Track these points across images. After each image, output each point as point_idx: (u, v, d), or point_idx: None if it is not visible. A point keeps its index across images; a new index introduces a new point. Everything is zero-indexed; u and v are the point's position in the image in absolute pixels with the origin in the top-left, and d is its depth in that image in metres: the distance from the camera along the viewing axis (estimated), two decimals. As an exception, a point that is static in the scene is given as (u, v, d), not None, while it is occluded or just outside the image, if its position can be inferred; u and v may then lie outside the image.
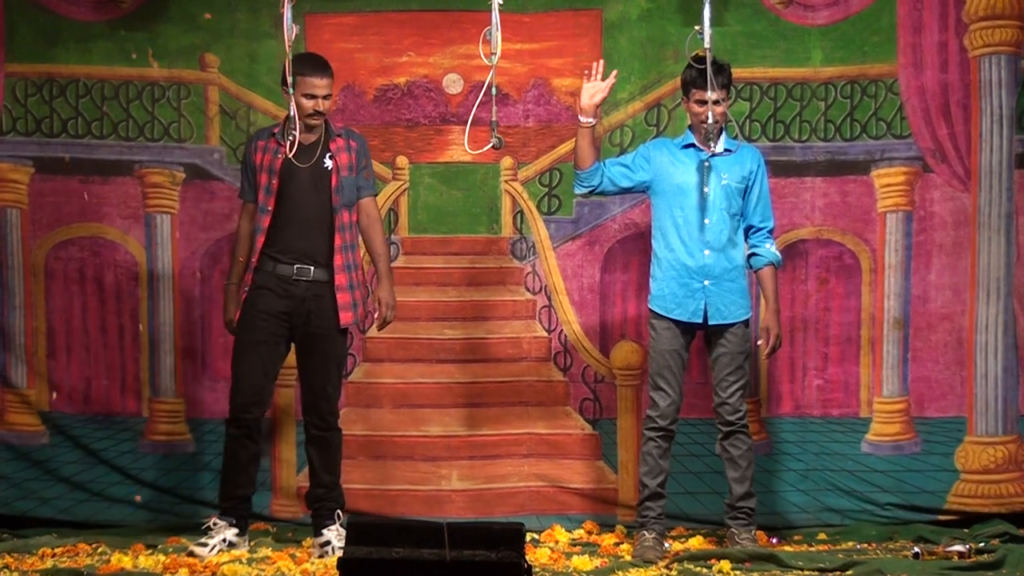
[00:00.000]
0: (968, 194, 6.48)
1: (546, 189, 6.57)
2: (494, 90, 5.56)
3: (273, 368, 5.84)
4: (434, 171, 6.57)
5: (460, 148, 6.36)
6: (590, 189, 5.87)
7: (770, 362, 6.36)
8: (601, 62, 5.77)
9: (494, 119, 5.55)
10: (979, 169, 6.46)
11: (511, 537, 4.52)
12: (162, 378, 6.52)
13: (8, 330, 6.48)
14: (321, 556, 5.73)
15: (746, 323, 5.82)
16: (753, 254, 5.85)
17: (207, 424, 6.48)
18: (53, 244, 6.52)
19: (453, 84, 6.53)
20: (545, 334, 6.56)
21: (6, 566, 5.46)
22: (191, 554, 5.64)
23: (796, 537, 6.18)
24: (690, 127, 5.85)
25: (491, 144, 5.58)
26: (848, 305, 6.53)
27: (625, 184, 5.87)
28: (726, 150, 5.81)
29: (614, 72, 5.80)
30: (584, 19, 6.51)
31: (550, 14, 6.50)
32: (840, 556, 5.64)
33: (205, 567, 5.45)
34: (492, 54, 5.47)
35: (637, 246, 6.43)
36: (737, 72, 5.92)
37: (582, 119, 5.75)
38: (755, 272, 5.88)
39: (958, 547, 5.67)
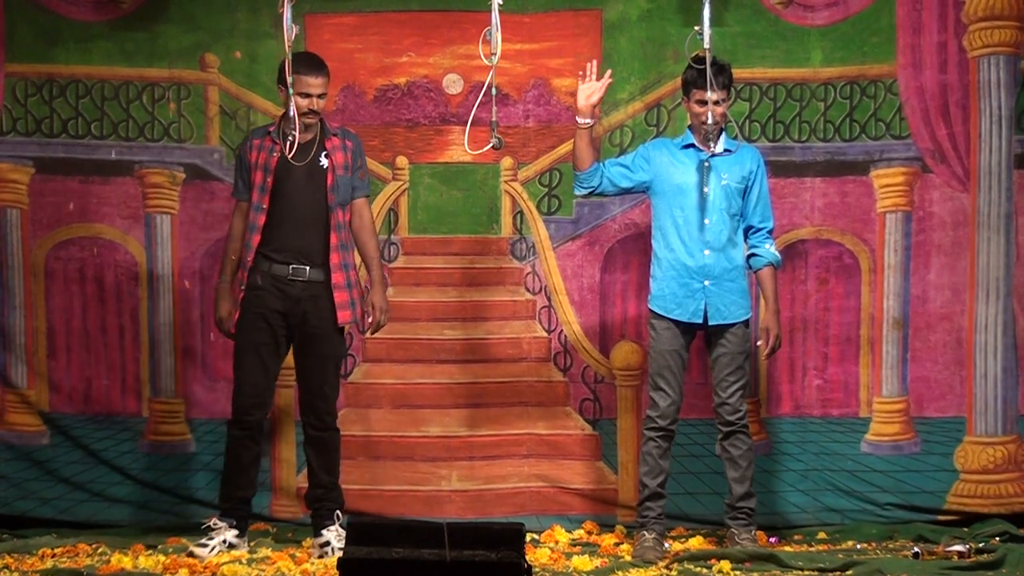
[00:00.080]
0: (967, 194, 6.48)
1: (546, 189, 6.57)
2: (494, 90, 5.56)
3: (274, 368, 5.84)
4: (434, 171, 6.57)
5: (460, 148, 6.37)
6: (590, 190, 5.87)
7: (770, 362, 6.37)
8: (595, 62, 5.77)
9: (494, 119, 5.55)
10: (978, 169, 6.46)
11: (511, 537, 4.52)
12: (162, 378, 6.52)
13: (8, 330, 6.48)
14: (321, 556, 5.72)
15: (746, 323, 5.82)
16: (753, 254, 5.85)
17: (207, 424, 6.48)
18: (53, 244, 6.52)
19: (453, 84, 6.53)
20: (545, 334, 6.56)
21: (6, 566, 5.45)
22: (191, 555, 5.64)
23: (796, 537, 6.18)
24: (690, 127, 5.85)
25: (491, 144, 5.58)
26: (847, 305, 6.53)
27: (625, 184, 5.87)
28: (726, 150, 5.81)
29: (609, 72, 5.81)
30: (584, 19, 6.51)
31: (550, 14, 6.50)
32: (840, 556, 5.64)
33: (205, 567, 5.45)
34: (492, 54, 5.47)
35: (637, 246, 6.43)
36: (737, 72, 5.93)
37: (579, 120, 5.75)
38: (755, 272, 5.88)
39: (958, 547, 5.67)
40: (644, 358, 6.35)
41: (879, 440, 6.51)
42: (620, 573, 5.44)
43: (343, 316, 5.78)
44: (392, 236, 6.57)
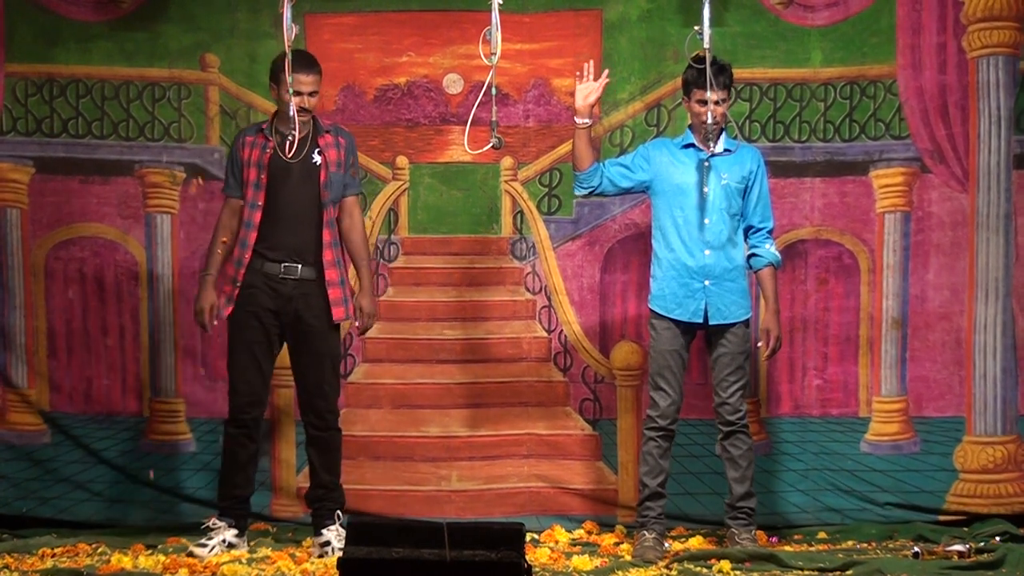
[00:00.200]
0: (966, 195, 6.49)
1: (546, 189, 6.58)
2: (494, 90, 5.56)
3: (268, 367, 5.84)
4: (434, 171, 6.57)
5: (460, 148, 6.37)
6: (590, 190, 5.87)
7: (770, 362, 6.37)
8: (591, 62, 5.78)
9: (494, 119, 5.56)
10: (977, 170, 6.47)
11: (511, 537, 4.52)
12: (163, 378, 6.52)
13: (8, 330, 6.48)
14: (321, 556, 5.72)
15: (746, 323, 5.82)
16: (753, 254, 5.85)
17: (207, 424, 6.48)
18: (53, 244, 6.52)
19: (453, 84, 6.53)
20: (545, 334, 6.56)
21: (6, 566, 5.45)
22: (191, 554, 5.64)
23: (796, 537, 6.18)
24: (690, 127, 5.86)
25: (491, 144, 5.58)
26: (847, 305, 6.54)
27: (625, 184, 5.87)
28: (726, 150, 5.82)
29: (606, 72, 5.81)
30: (584, 19, 6.51)
31: (550, 14, 6.50)
32: (840, 556, 5.64)
33: (205, 567, 5.45)
34: (492, 54, 5.47)
35: (637, 246, 6.43)
36: (737, 73, 5.93)
37: (578, 120, 5.75)
38: (755, 273, 5.89)
39: (958, 547, 5.67)
40: (644, 358, 6.35)
41: (878, 440, 6.51)
42: (620, 573, 5.44)
43: (337, 313, 5.78)
44: (392, 236, 6.57)
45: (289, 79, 5.54)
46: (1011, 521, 6.22)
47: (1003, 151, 6.45)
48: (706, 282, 5.76)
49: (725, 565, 5.43)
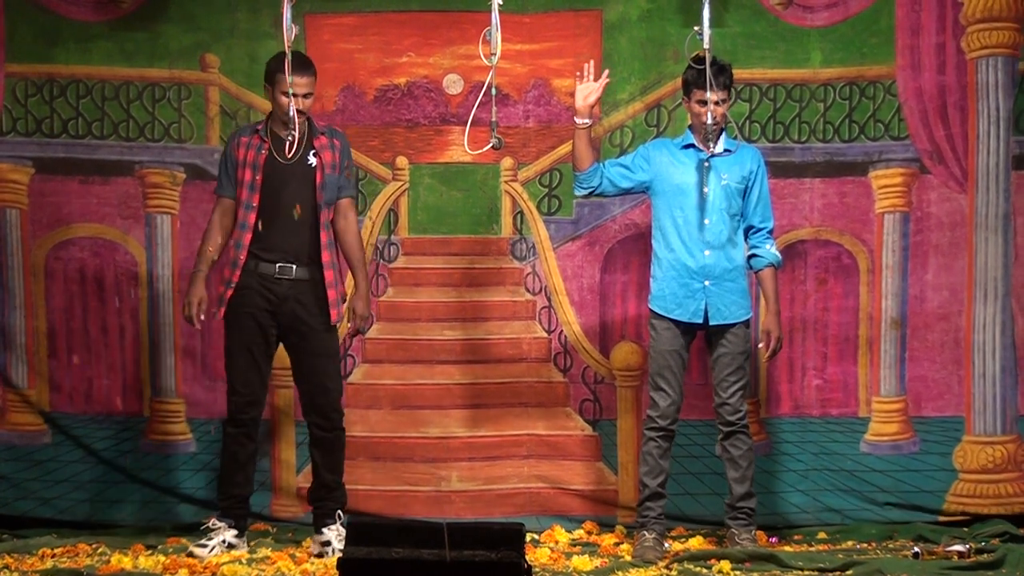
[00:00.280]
0: (965, 195, 6.50)
1: (546, 190, 6.58)
2: (494, 90, 5.57)
3: (265, 367, 5.85)
4: (434, 171, 6.57)
5: (460, 148, 6.36)
6: (590, 190, 5.87)
7: (769, 362, 6.37)
8: (592, 63, 5.78)
9: (494, 119, 5.56)
10: (976, 170, 6.48)
11: (511, 537, 4.52)
12: (163, 378, 6.52)
13: (8, 330, 6.47)
14: (320, 555, 5.73)
15: (746, 323, 5.83)
16: (753, 255, 5.86)
17: (208, 424, 6.47)
18: (53, 244, 6.52)
19: (453, 84, 6.53)
20: (545, 335, 6.56)
21: (6, 566, 5.45)
22: (191, 555, 5.64)
23: (796, 537, 6.18)
24: (690, 127, 5.86)
25: (491, 144, 5.59)
26: (846, 305, 6.54)
27: (625, 185, 5.88)
28: (726, 150, 5.82)
29: (606, 72, 5.81)
30: (584, 20, 6.51)
31: (550, 14, 6.50)
32: (840, 556, 5.64)
33: (205, 567, 5.45)
34: (492, 54, 5.48)
35: (637, 246, 6.43)
36: (737, 73, 5.93)
37: (578, 120, 5.76)
38: (755, 273, 5.89)
39: (958, 547, 5.67)
40: (644, 358, 6.35)
41: (878, 440, 6.52)
42: (620, 573, 5.44)
43: (334, 313, 5.78)
44: (392, 236, 6.57)
45: (289, 79, 5.55)
46: (1011, 521, 6.22)
47: (1002, 152, 6.46)
48: (706, 282, 5.77)
49: (725, 565, 5.44)
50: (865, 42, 6.50)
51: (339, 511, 5.82)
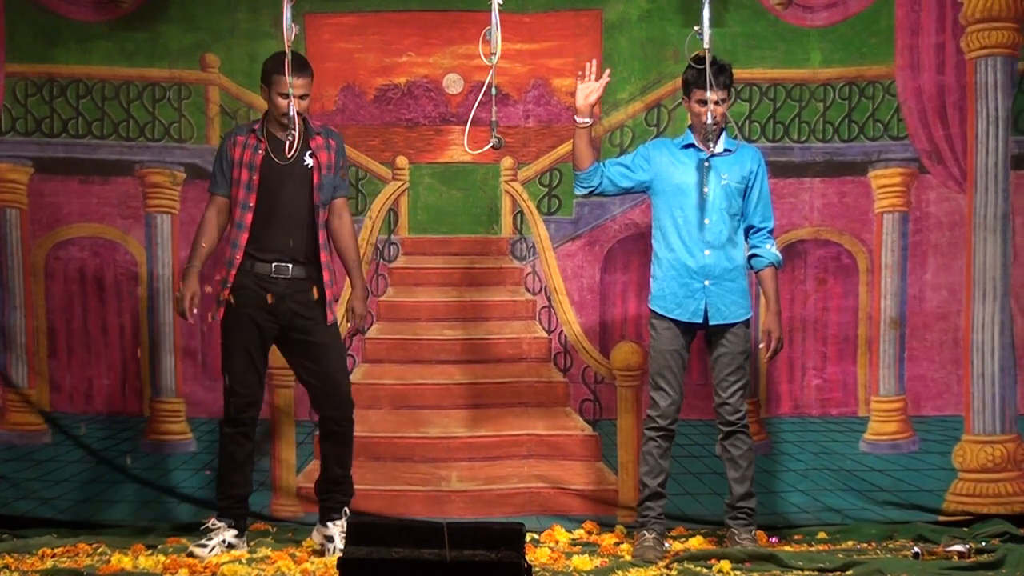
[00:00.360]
0: (964, 195, 6.50)
1: (546, 189, 6.58)
2: (494, 90, 5.57)
3: (263, 367, 5.85)
4: (434, 171, 6.57)
5: (460, 148, 6.36)
6: (590, 190, 5.87)
7: (769, 362, 6.37)
8: (594, 62, 5.78)
9: (494, 119, 5.56)
10: (975, 170, 6.48)
11: (511, 537, 4.52)
12: (163, 378, 6.52)
13: (8, 330, 6.47)
14: (321, 550, 5.73)
15: (746, 323, 5.83)
16: (754, 255, 5.86)
17: (207, 424, 6.47)
18: (53, 244, 6.51)
19: (453, 84, 6.53)
20: (545, 335, 6.57)
21: (6, 566, 5.45)
22: (191, 555, 5.64)
23: (796, 537, 6.19)
24: (690, 127, 5.86)
25: (491, 144, 5.59)
26: (845, 305, 6.55)
27: (625, 184, 5.88)
28: (726, 150, 5.82)
29: (607, 71, 5.81)
30: (584, 19, 6.51)
31: (550, 14, 6.50)
32: (840, 556, 5.65)
33: (205, 567, 5.45)
34: (492, 54, 5.48)
35: (637, 246, 6.43)
36: (737, 73, 5.93)
37: (578, 120, 5.76)
38: (756, 273, 5.89)
39: (958, 547, 5.68)
40: (644, 358, 6.36)
41: (877, 439, 6.52)
42: (620, 573, 5.44)
43: (330, 314, 5.78)
44: (392, 236, 6.57)
45: (289, 79, 5.55)
46: (1011, 521, 6.23)
47: (1001, 151, 6.47)
48: (706, 282, 5.77)
49: (725, 565, 5.44)
50: (865, 42, 6.50)
51: (346, 507, 5.81)
